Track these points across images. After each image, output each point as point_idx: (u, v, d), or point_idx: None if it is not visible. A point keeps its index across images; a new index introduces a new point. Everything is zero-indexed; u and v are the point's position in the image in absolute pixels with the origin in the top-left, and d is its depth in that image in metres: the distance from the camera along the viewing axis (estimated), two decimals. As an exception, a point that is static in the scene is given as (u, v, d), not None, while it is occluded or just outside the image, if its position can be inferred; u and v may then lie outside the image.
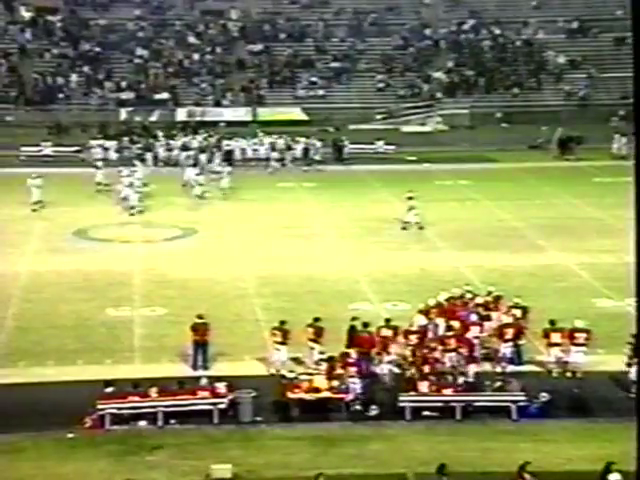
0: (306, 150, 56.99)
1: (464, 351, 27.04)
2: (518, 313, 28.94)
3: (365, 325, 27.75)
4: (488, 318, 28.79)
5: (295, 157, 56.92)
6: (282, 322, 27.96)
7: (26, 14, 75.44)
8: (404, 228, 42.77)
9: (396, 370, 27.18)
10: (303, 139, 57.90)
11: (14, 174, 51.88)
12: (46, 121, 65.57)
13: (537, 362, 28.21)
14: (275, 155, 56.67)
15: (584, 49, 75.69)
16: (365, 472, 21.96)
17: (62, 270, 37.39)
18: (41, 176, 46.62)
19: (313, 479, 20.51)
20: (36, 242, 41.19)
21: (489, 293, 30.45)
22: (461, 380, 26.03)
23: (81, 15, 76.64)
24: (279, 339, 27.54)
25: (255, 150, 57.75)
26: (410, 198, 43.17)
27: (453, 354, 27.05)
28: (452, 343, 27.33)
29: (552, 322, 27.94)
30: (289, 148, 57.09)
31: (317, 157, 56.88)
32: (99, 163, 51.61)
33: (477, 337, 27.81)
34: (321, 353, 27.17)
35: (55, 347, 29.71)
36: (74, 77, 71.96)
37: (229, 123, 65.78)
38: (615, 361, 26.82)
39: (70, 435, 24.31)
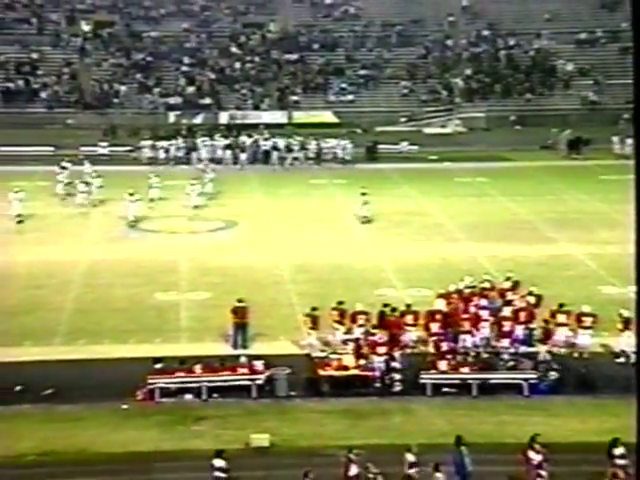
0: (318, 150, 56.68)
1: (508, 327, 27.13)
2: (532, 300, 28.82)
3: (393, 310, 27.74)
4: (507, 304, 28.68)
5: (308, 156, 56.42)
6: (313, 309, 27.91)
7: (86, 27, 75.75)
8: (364, 222, 42.28)
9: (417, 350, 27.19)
10: (322, 139, 57.46)
11: (74, 171, 52.14)
12: (102, 123, 65.83)
13: (547, 343, 28.05)
14: (276, 154, 56.17)
15: (592, 58, 75.04)
16: (390, 442, 21.92)
17: (116, 258, 37.59)
18: (23, 190, 43.14)
19: (347, 451, 20.48)
20: (94, 233, 41.42)
21: (507, 279, 30.32)
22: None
23: (134, 28, 76.81)
24: (310, 325, 27.54)
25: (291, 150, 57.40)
26: (363, 194, 42.93)
27: (467, 335, 27.05)
28: (467, 326, 27.31)
29: (560, 305, 27.84)
30: (303, 147, 56.88)
31: (335, 156, 56.46)
32: (66, 164, 48.99)
33: (487, 320, 27.69)
34: (346, 334, 27.13)
35: (110, 327, 29.89)
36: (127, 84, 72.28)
37: (267, 125, 65.72)
38: (619, 343, 26.74)
39: (124, 406, 24.47)
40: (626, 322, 26.08)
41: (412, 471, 19.93)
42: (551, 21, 77.64)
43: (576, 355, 27.16)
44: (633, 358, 24.61)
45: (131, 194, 42.74)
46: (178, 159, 56.26)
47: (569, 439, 22.26)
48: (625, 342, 26.20)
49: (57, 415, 24.04)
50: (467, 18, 79.15)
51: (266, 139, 58.28)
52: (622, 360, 26.29)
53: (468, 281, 29.92)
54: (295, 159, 56.34)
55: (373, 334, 26.57)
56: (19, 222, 42.01)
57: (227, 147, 57.02)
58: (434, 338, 26.99)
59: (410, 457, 20.02)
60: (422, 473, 19.94)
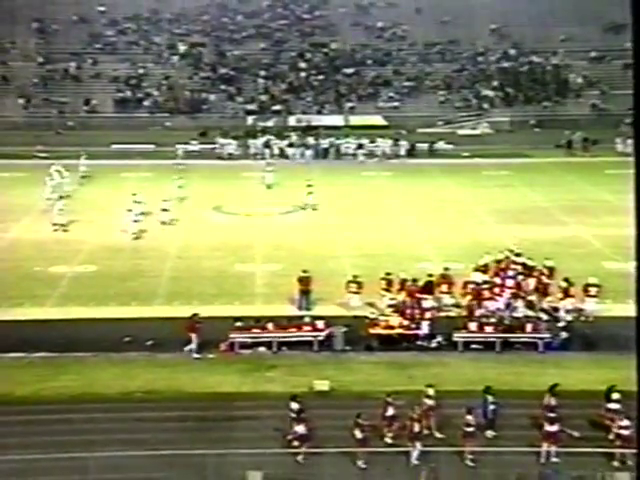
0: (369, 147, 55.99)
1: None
2: (547, 272, 28.53)
3: (414, 281, 27.51)
4: (528, 276, 28.49)
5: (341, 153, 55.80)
6: (355, 276, 27.90)
7: (182, 47, 76.40)
8: (303, 208, 41.55)
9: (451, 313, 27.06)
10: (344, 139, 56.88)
11: (170, 165, 52.59)
12: (194, 126, 66.15)
13: (557, 309, 27.75)
14: (334, 151, 55.64)
15: (599, 72, 73.55)
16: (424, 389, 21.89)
17: (204, 236, 37.90)
18: (63, 198, 39.55)
19: (385, 395, 20.54)
20: (184, 216, 41.68)
21: (518, 254, 30.08)
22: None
23: (221, 48, 77.08)
24: (354, 289, 27.52)
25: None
26: (309, 185, 42.31)
27: (490, 302, 26.82)
28: (495, 293, 27.09)
29: (566, 279, 27.55)
30: (331, 145, 56.49)
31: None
32: (82, 157, 47.58)
33: (510, 288, 27.46)
34: (391, 299, 27.05)
35: (198, 292, 30.18)
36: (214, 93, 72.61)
37: (327, 127, 65.48)
38: (620, 309, 26.28)
39: (210, 356, 24.77)
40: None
41: (431, 402, 20.10)
42: (565, 41, 76.25)
43: (583, 319, 26.84)
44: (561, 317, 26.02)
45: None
46: (254, 155, 56.36)
47: (577, 387, 22.06)
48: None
49: (157, 361, 24.43)
50: (495, 39, 78.09)
51: (326, 138, 58.19)
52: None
53: (487, 259, 29.63)
54: (354, 155, 56.10)
55: (419, 299, 26.50)
56: (55, 230, 37.15)
57: (294, 145, 56.96)
58: (465, 303, 26.83)
59: (430, 391, 20.19)
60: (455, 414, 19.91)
